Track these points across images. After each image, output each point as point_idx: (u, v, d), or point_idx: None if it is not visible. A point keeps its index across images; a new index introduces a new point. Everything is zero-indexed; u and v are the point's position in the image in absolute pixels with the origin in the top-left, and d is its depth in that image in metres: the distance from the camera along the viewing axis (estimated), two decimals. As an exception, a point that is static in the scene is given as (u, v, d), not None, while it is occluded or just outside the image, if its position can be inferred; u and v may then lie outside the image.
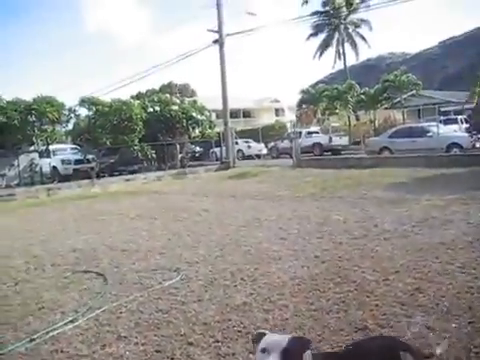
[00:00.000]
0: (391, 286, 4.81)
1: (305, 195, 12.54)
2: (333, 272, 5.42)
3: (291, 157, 23.53)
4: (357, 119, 36.72)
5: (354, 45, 46.28)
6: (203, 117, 28.70)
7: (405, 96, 34.11)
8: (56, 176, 23.16)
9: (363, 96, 35.66)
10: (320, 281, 5.15)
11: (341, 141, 30.66)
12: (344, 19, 46.28)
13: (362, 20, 46.20)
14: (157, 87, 47.47)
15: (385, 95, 35.36)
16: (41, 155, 23.12)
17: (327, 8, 44.11)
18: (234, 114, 35.36)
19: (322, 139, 30.49)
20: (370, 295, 4.61)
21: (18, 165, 22.34)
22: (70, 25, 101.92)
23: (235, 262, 6.20)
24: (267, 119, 53.05)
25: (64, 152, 25.85)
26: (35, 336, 4.22)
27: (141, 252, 7.20)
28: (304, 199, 11.89)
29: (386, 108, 35.48)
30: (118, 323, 4.41)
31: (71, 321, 4.51)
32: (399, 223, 7.74)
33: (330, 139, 29.92)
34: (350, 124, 35.61)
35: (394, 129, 22.45)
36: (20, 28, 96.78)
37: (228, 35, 27.38)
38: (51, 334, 4.26)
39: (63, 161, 24.12)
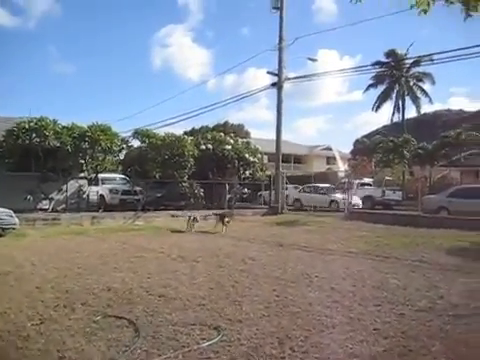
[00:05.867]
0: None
1: (358, 251, 11.80)
2: (398, 353, 4.59)
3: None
4: (411, 174, 35.67)
5: (415, 99, 45.03)
6: (255, 159, 28.43)
7: (464, 154, 33.00)
8: (102, 205, 22.98)
9: (420, 151, 34.64)
10: (383, 363, 4.35)
11: (394, 196, 29.69)
12: (406, 72, 45.30)
13: (425, 73, 44.88)
14: (211, 125, 47.63)
15: (443, 152, 34.36)
16: (90, 183, 23.07)
17: (389, 60, 43.29)
18: (285, 159, 34.86)
19: (374, 192, 29.64)
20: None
21: (66, 190, 22.35)
22: (138, 61, 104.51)
23: (283, 325, 5.45)
24: (317, 167, 52.50)
25: (112, 181, 25.72)
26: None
27: (179, 300, 6.57)
28: (357, 256, 11.16)
29: (442, 165, 34.40)
30: (145, 392, 3.75)
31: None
32: (470, 298, 6.79)
33: (383, 193, 28.99)
34: (404, 179, 34.59)
35: (453, 188, 21.25)
36: (88, 61, 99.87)
37: (287, 79, 27.24)
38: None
39: (111, 190, 23.95)
